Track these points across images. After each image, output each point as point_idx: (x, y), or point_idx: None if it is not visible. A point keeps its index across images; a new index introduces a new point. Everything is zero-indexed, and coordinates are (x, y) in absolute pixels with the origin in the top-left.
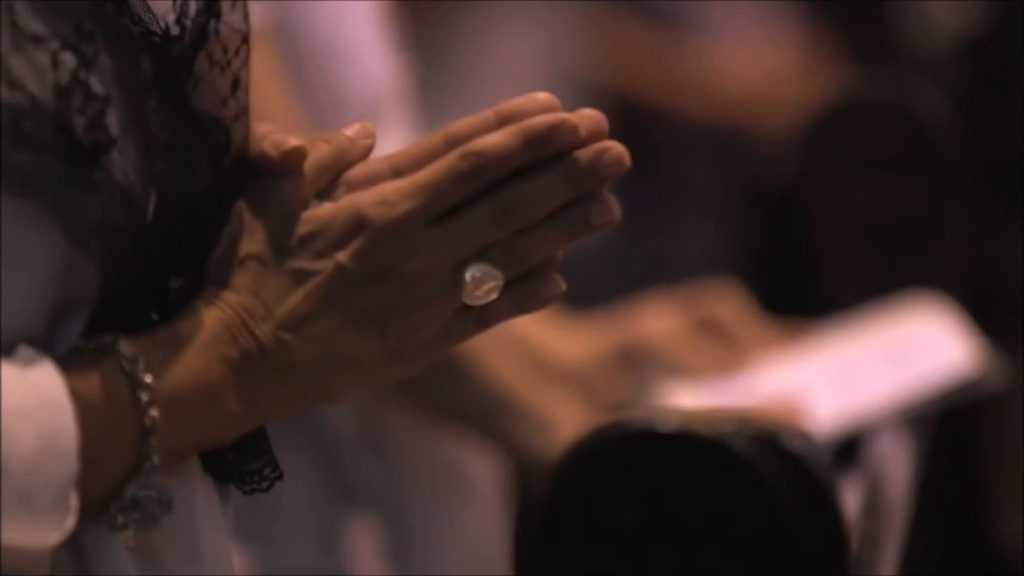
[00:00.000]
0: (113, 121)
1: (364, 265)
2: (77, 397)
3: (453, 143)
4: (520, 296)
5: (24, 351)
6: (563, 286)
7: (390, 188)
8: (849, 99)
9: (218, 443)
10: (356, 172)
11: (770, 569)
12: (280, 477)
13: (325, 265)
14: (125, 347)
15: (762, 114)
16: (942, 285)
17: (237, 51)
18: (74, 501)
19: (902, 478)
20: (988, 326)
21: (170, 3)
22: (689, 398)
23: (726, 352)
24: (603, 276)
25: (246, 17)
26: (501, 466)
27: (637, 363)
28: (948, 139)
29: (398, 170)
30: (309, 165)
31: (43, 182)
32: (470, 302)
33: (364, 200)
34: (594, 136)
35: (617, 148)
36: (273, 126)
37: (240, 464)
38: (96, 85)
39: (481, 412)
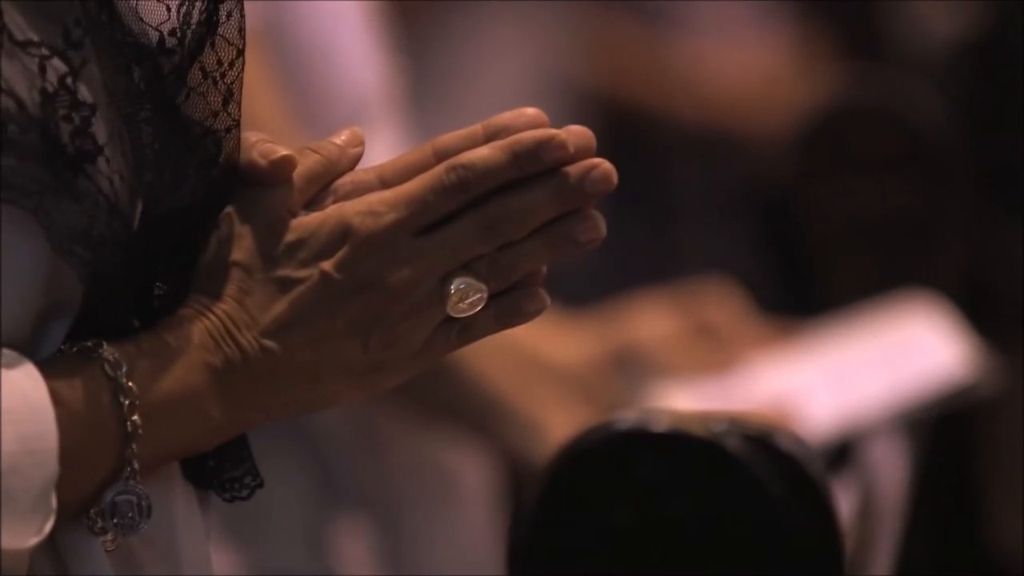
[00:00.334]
0: (100, 129)
1: (349, 274)
2: (59, 400)
3: (441, 156)
4: (504, 310)
5: (7, 354)
6: (548, 301)
7: (376, 198)
8: (847, 100)
9: (199, 450)
10: (343, 181)
11: (764, 569)
12: (261, 485)
13: (310, 273)
14: (108, 352)
15: (756, 115)
16: (941, 286)
17: (231, 64)
18: (53, 503)
19: (897, 481)
20: (987, 327)
21: (166, 13)
22: (682, 400)
23: (719, 354)
24: (600, 278)
25: (241, 31)
26: (493, 468)
27: (630, 365)
28: (946, 140)
29: (385, 181)
30: (298, 175)
31: (26, 188)
32: (454, 314)
33: (350, 210)
34: (582, 152)
35: (605, 165)
36: (263, 135)
37: (221, 471)
38: (84, 93)
39: (473, 414)
